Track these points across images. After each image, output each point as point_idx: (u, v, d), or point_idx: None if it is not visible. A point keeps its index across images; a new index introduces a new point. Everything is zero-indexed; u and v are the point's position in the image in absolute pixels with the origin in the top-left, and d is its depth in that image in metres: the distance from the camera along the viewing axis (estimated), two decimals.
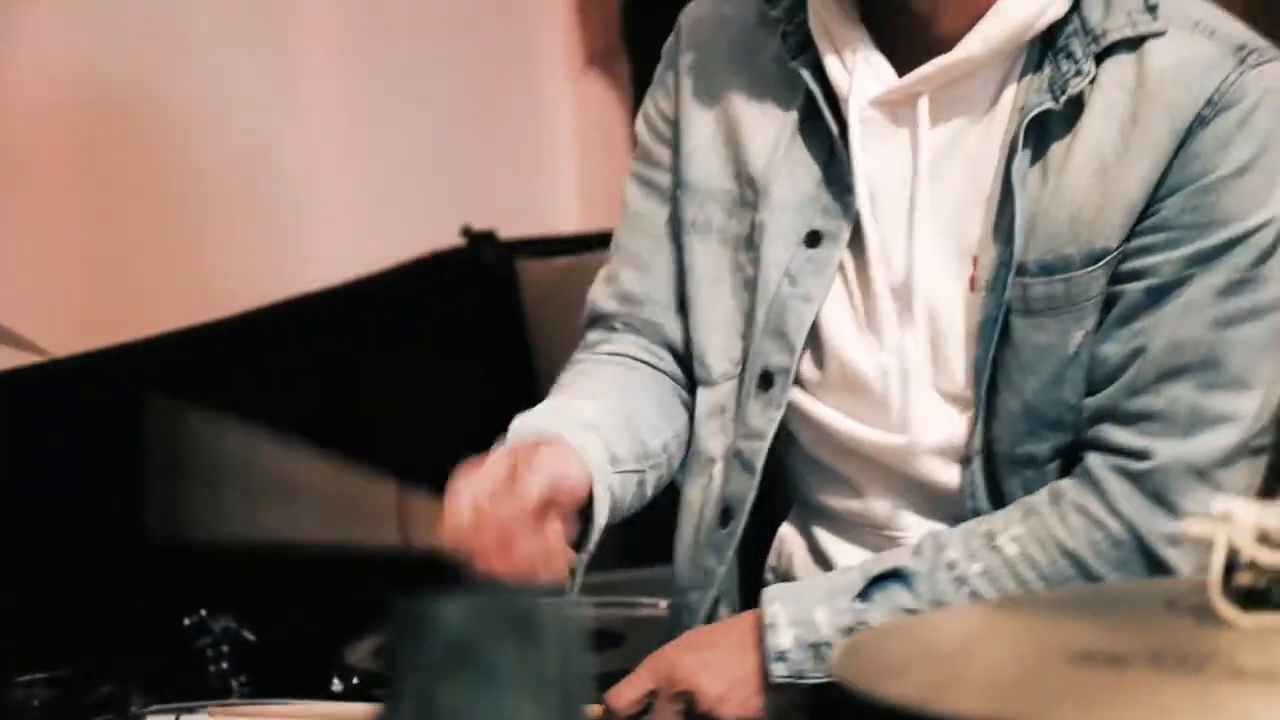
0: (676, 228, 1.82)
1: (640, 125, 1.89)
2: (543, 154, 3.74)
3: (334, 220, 3.30)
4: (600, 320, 1.92)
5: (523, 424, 1.74)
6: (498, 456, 1.64)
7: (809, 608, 1.67)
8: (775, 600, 1.69)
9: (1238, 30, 1.64)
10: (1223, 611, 0.99)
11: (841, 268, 1.71)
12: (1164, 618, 1.03)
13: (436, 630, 0.71)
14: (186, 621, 2.23)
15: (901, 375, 1.69)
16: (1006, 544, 1.64)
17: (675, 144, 1.82)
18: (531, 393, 3.40)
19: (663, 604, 2.56)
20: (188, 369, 2.92)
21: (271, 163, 3.17)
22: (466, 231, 3.47)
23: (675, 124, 1.82)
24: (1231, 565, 1.01)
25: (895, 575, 1.66)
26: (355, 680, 2.32)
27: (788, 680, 1.68)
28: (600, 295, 1.92)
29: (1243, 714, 0.89)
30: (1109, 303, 1.63)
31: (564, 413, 1.75)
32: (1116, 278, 1.62)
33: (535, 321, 3.49)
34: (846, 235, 1.69)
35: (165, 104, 2.99)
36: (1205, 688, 0.92)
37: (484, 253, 3.47)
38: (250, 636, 2.27)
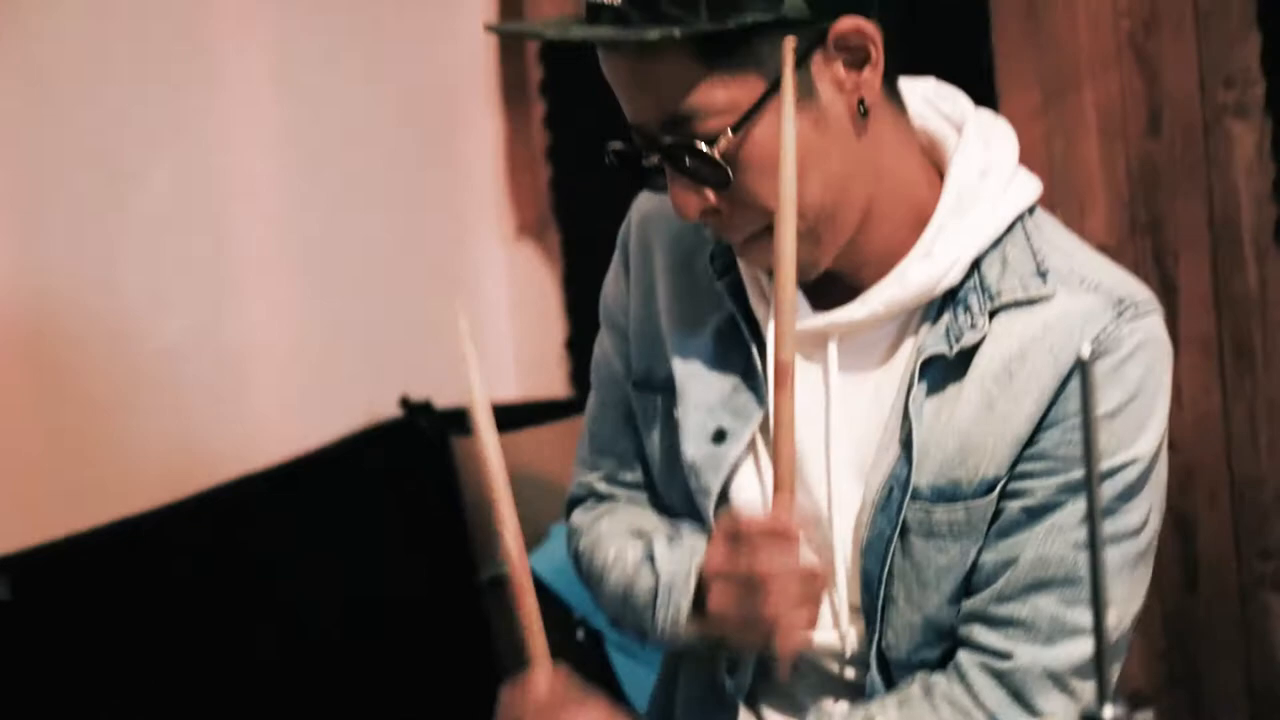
0: (633, 412, 1.84)
1: (601, 307, 1.90)
2: (478, 321, 3.67)
3: (276, 396, 3.26)
4: (595, 496, 1.92)
5: (695, 540, 1.74)
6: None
7: None
8: None
9: (1123, 284, 1.66)
10: None
11: (758, 471, 1.72)
12: None
13: None
14: None
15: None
16: None
17: (626, 334, 1.83)
18: (466, 556, 3.39)
19: None
20: (139, 554, 2.93)
21: (211, 344, 3.15)
22: (404, 402, 3.44)
23: (626, 311, 1.83)
24: None
25: None
26: None
27: None
28: (589, 479, 1.92)
29: None
30: (993, 519, 1.66)
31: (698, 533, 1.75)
32: (1001, 496, 1.65)
33: (470, 494, 3.40)
34: (747, 437, 1.70)
35: (102, 298, 2.97)
36: None
37: (420, 422, 3.43)
38: None
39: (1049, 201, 2.86)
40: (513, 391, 3.68)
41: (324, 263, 3.37)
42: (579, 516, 1.92)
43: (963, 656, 1.67)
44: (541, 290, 3.74)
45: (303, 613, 3.15)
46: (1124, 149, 2.96)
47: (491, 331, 3.69)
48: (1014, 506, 1.65)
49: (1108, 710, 1.04)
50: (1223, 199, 2.85)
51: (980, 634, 1.66)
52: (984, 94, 2.86)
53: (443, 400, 3.45)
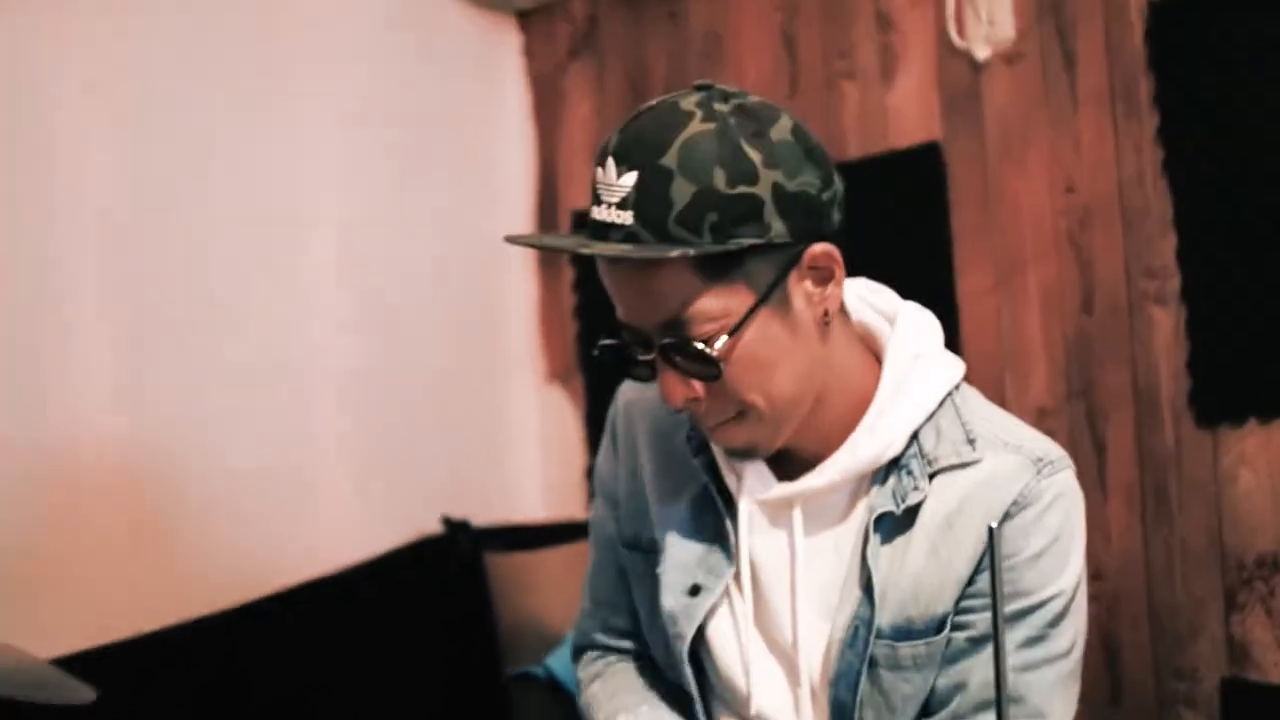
0: (624, 570, 1.88)
1: (595, 480, 1.95)
2: (512, 452, 3.76)
3: (336, 513, 3.31)
4: (593, 647, 1.97)
5: None
6: None
7: None
8: None
9: (1039, 445, 1.72)
10: None
11: (734, 618, 1.77)
12: None
13: None
14: None
15: (784, 710, 1.77)
16: None
17: (616, 502, 1.89)
18: (493, 656, 3.43)
19: None
20: (226, 645, 2.96)
21: (282, 468, 3.20)
22: (446, 521, 3.52)
23: (616, 483, 1.89)
24: None
25: None
26: None
27: None
28: (588, 626, 1.97)
29: None
30: (942, 650, 1.72)
31: None
32: (951, 628, 1.72)
33: (500, 602, 3.51)
34: (720, 590, 1.75)
35: (192, 427, 3.02)
36: None
37: (460, 539, 3.51)
38: None
39: (999, 366, 3.04)
40: (540, 513, 3.74)
41: (382, 401, 3.43)
42: (581, 670, 1.97)
43: None
44: (566, 426, 3.81)
45: (356, 701, 3.20)
46: (1061, 324, 3.04)
47: (524, 460, 3.76)
48: (959, 637, 1.70)
49: None
50: (1145, 370, 2.93)
51: None
52: (945, 274, 3.13)
53: (479, 519, 3.56)
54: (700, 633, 1.77)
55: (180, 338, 2.99)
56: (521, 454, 3.76)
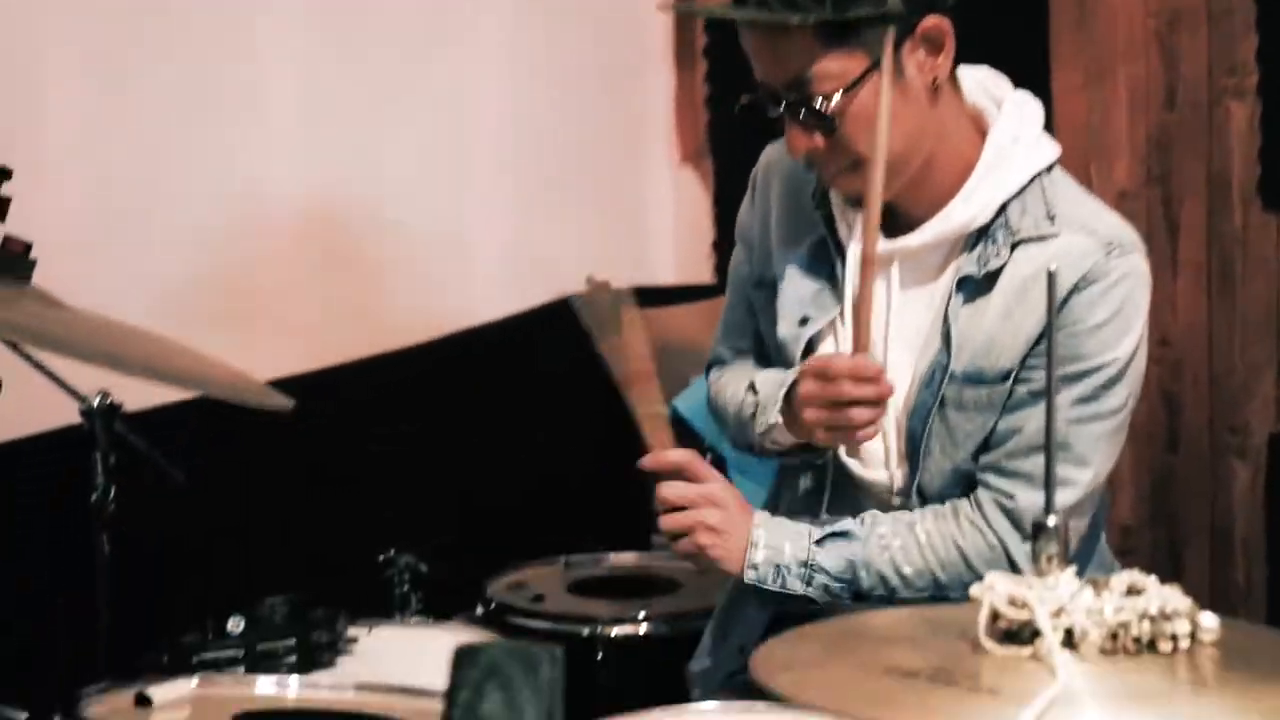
0: (753, 307, 1.98)
1: (737, 228, 2.04)
2: (649, 224, 3.83)
3: (493, 271, 3.40)
4: (722, 363, 2.07)
5: (785, 371, 1.85)
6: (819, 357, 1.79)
7: (780, 541, 1.83)
8: (761, 526, 1.84)
9: (1114, 229, 1.78)
10: (985, 644, 1.15)
11: (836, 351, 1.85)
12: (951, 644, 1.17)
13: (480, 660, 0.93)
14: (380, 558, 2.36)
15: (880, 439, 1.85)
16: (920, 531, 1.82)
17: (751, 246, 1.99)
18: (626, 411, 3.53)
19: None
20: (395, 383, 3.06)
21: (447, 228, 3.28)
22: (590, 280, 3.43)
23: (752, 230, 1.99)
24: (995, 614, 1.17)
25: (844, 534, 1.83)
26: (492, 605, 2.44)
27: (752, 582, 1.83)
28: (721, 350, 2.07)
29: (971, 717, 1.04)
30: (1006, 397, 1.80)
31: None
32: (1014, 382, 1.79)
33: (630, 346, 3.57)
34: (824, 323, 1.85)
35: (367, 188, 3.06)
36: (959, 697, 1.08)
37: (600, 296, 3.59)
38: (424, 568, 2.38)
39: (1086, 156, 3.06)
40: (672, 278, 3.81)
41: (536, 173, 3.49)
42: (713, 376, 2.10)
43: (981, 494, 1.80)
44: (696, 204, 3.86)
45: (504, 439, 3.31)
46: (1145, 118, 3.05)
47: (658, 233, 3.83)
48: (1021, 390, 1.77)
49: (1051, 518, 1.19)
50: (1219, 159, 2.94)
51: (994, 480, 1.80)
52: (1040, 72, 3.12)
53: (618, 280, 3.37)
54: (807, 358, 1.85)
55: (358, 109, 3.05)
56: (657, 226, 3.82)
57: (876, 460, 1.87)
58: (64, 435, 1.99)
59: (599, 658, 2.36)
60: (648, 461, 1.87)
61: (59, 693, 1.36)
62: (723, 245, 3.73)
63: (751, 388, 1.91)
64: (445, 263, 3.26)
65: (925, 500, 1.85)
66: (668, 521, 1.86)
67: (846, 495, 1.89)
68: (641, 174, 3.81)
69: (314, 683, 1.51)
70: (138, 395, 1.92)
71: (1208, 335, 2.99)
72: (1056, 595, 1.18)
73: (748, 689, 1.67)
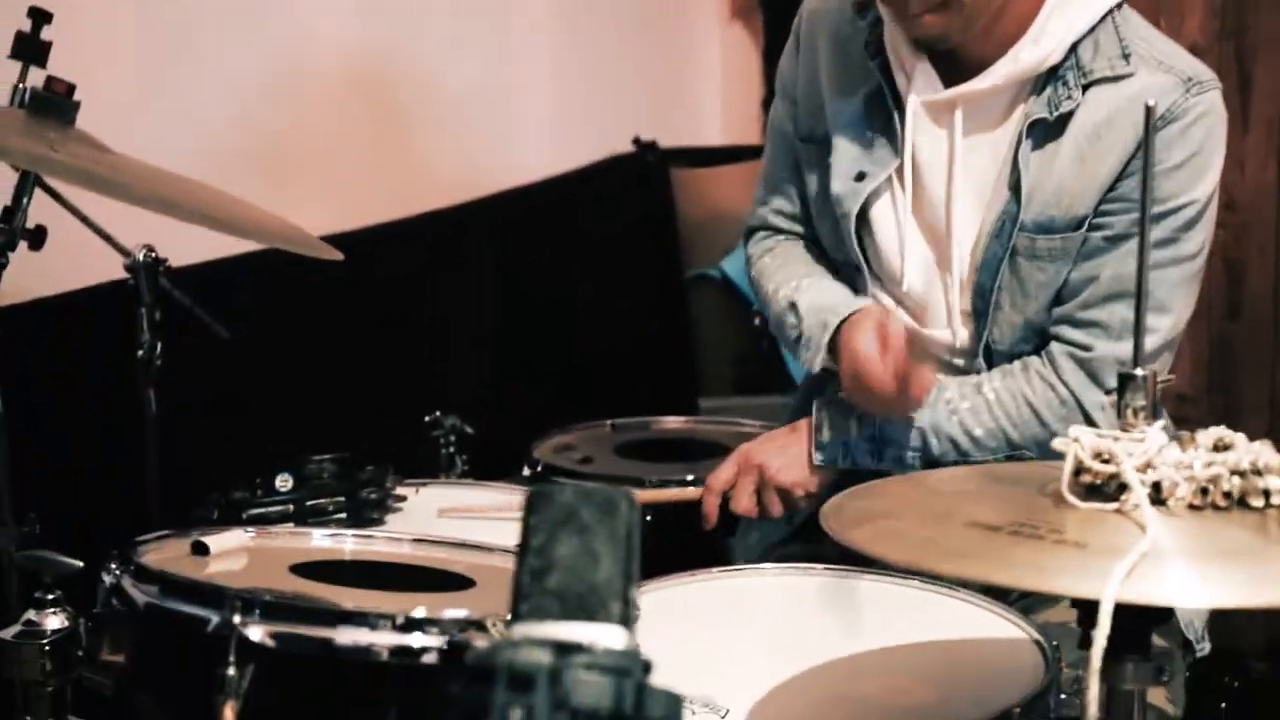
0: (798, 161, 1.96)
1: (777, 80, 2.00)
2: (696, 82, 3.79)
3: (538, 129, 3.37)
4: (765, 228, 2.04)
5: (835, 300, 1.84)
6: (864, 329, 1.76)
7: (843, 418, 1.83)
8: (821, 410, 1.84)
9: (1190, 66, 1.74)
10: (1069, 499, 1.13)
11: (894, 206, 1.82)
12: (1032, 499, 1.15)
13: (554, 503, 0.89)
14: (426, 419, 2.38)
15: (939, 290, 1.84)
16: (988, 391, 1.80)
17: (795, 100, 1.94)
18: (677, 261, 3.54)
19: (759, 425, 2.68)
20: (442, 242, 3.05)
21: (493, 84, 3.24)
22: (636, 140, 3.58)
23: (795, 83, 1.94)
24: (1079, 469, 1.15)
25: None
26: (539, 468, 2.40)
27: (823, 465, 1.83)
28: (762, 211, 2.03)
29: (1056, 569, 1.02)
30: (1079, 246, 1.76)
31: (832, 286, 1.88)
32: (1087, 229, 1.75)
33: (683, 212, 3.58)
34: (882, 178, 1.81)
35: (413, 47, 3.02)
36: (1046, 550, 1.05)
37: (648, 157, 3.57)
38: (470, 430, 2.41)
39: (1156, 9, 2.95)
40: (719, 138, 3.80)
41: (584, 30, 3.45)
42: (753, 245, 2.05)
43: (1054, 347, 1.78)
44: (745, 61, 3.82)
45: (554, 293, 3.33)
46: None
47: (706, 90, 3.80)
48: (1096, 236, 1.74)
49: (1139, 369, 1.15)
50: None
51: (1068, 332, 1.77)
52: None
53: (665, 141, 3.60)
54: (864, 216, 1.83)
55: None
56: (704, 84, 3.79)
57: (938, 318, 1.85)
58: (108, 290, 1.96)
59: (645, 519, 2.35)
60: (710, 509, 1.87)
61: (114, 541, 1.36)
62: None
63: (793, 309, 1.88)
64: (490, 121, 3.24)
65: (993, 358, 1.83)
66: (739, 506, 1.85)
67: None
68: (689, 31, 3.77)
69: (369, 535, 1.49)
70: (180, 251, 1.91)
71: (1276, 199, 2.94)
72: (1144, 449, 1.14)
73: (793, 560, 1.74)
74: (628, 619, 0.89)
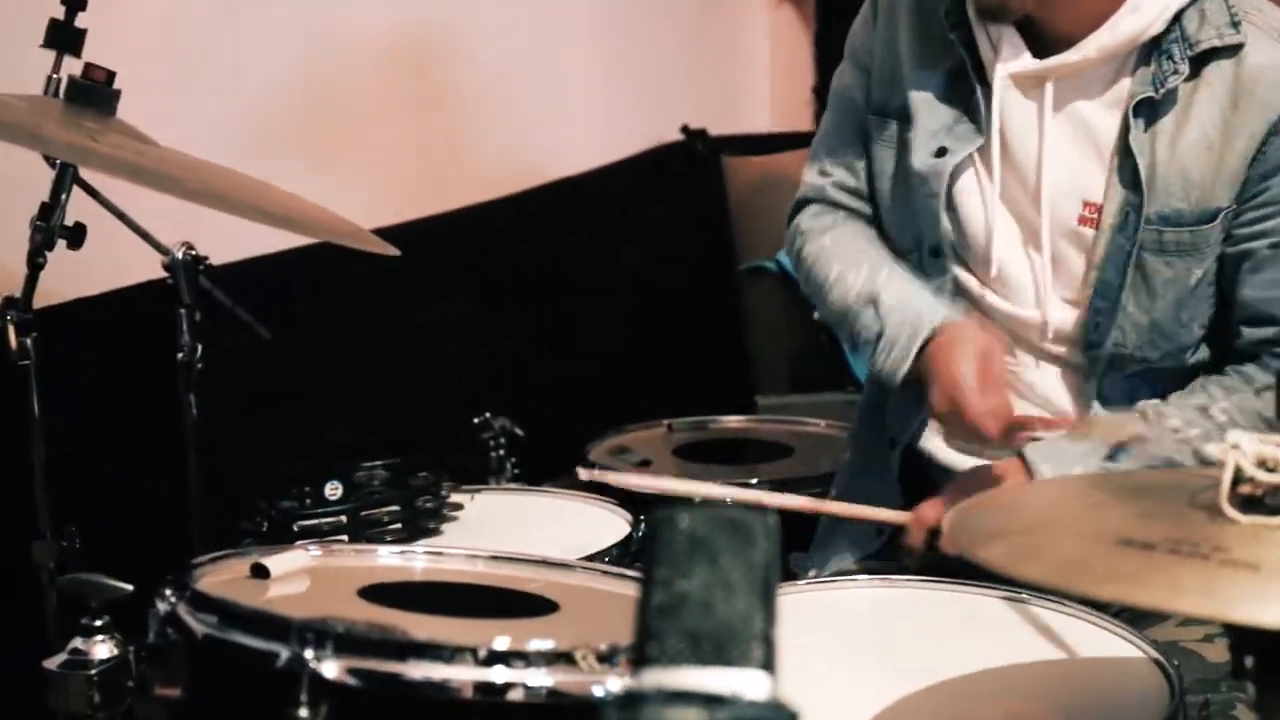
0: (866, 136, 1.86)
1: (847, 48, 1.91)
2: (745, 68, 3.72)
3: (585, 117, 3.30)
4: (823, 199, 1.92)
5: (925, 304, 1.74)
6: (965, 351, 1.65)
7: (1069, 465, 1.66)
8: (1042, 461, 1.66)
9: None
10: (1228, 513, 1.03)
11: (979, 183, 1.74)
12: (1182, 511, 1.06)
13: (680, 529, 0.79)
14: (475, 420, 2.31)
15: (1027, 270, 1.75)
16: (1218, 414, 1.67)
17: (869, 70, 1.86)
18: (729, 250, 3.46)
19: (823, 424, 2.64)
20: (489, 231, 2.99)
21: (540, 72, 3.17)
22: (685, 129, 3.51)
23: (870, 51, 1.86)
24: (1238, 479, 1.06)
25: (1136, 440, 1.65)
26: (595, 469, 2.27)
27: None
28: (821, 182, 1.91)
29: (1232, 594, 0.93)
30: (1236, 257, 1.67)
31: (915, 282, 1.77)
32: (1240, 239, 1.66)
33: (735, 202, 3.50)
34: (965, 154, 1.74)
35: (458, 33, 2.97)
36: (1214, 573, 0.96)
37: (698, 146, 3.50)
38: (520, 432, 2.33)
39: None
40: (769, 125, 3.73)
41: (630, 17, 3.39)
42: (807, 219, 1.92)
43: (1271, 361, 1.68)
44: (795, 46, 3.76)
45: (605, 285, 3.27)
46: None
47: (754, 78, 3.74)
48: (1260, 246, 1.66)
49: None
50: None
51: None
52: None
53: (715, 129, 3.53)
54: (948, 194, 1.75)
55: None
56: (753, 70, 3.74)
57: (1026, 298, 1.75)
58: (146, 290, 1.89)
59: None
60: (916, 539, 1.71)
61: (166, 563, 1.26)
62: (824, 89, 3.59)
63: (873, 304, 1.76)
64: (535, 110, 3.17)
65: (1111, 362, 1.73)
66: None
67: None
68: (735, 14, 3.70)
69: (440, 552, 1.39)
70: (217, 248, 1.83)
71: None
72: None
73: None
74: (770, 663, 0.79)
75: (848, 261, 1.83)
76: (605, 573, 1.37)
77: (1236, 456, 1.05)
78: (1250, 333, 1.70)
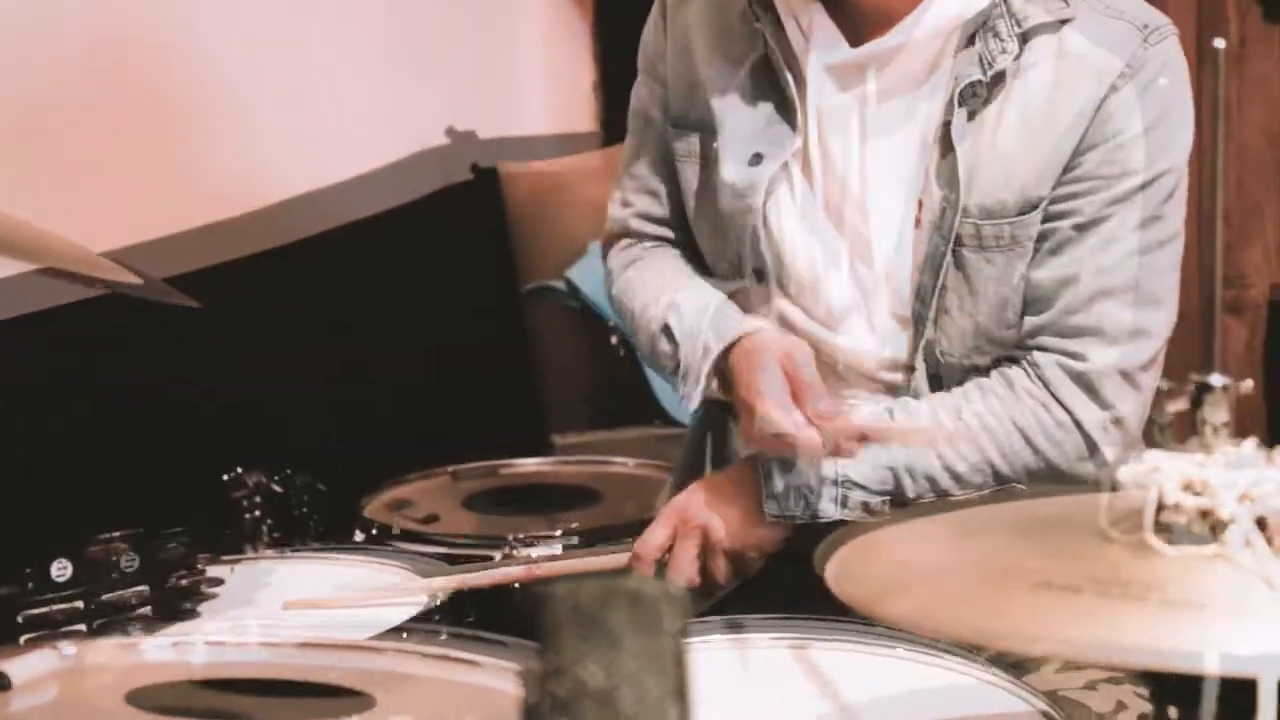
0: (669, 153, 1.86)
1: (640, 56, 1.90)
2: (516, 61, 3.69)
3: (332, 124, 3.22)
4: (629, 234, 1.95)
5: (716, 318, 1.76)
6: (766, 365, 1.66)
7: (797, 463, 1.70)
8: (770, 461, 1.71)
9: (1141, 11, 1.68)
10: (1156, 547, 1.00)
11: (793, 195, 1.74)
12: (1095, 546, 1.03)
13: (567, 608, 0.74)
14: (224, 477, 2.19)
15: (856, 293, 1.74)
16: (970, 417, 1.70)
17: (664, 81, 1.85)
18: (512, 273, 3.42)
19: (631, 463, 2.62)
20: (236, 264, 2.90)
21: (281, 75, 3.09)
22: (450, 131, 3.45)
23: (664, 58, 1.84)
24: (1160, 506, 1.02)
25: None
26: (373, 530, 2.28)
27: (776, 518, 1.72)
28: (624, 215, 1.94)
29: (1181, 639, 0.90)
30: (1040, 238, 1.69)
31: (725, 306, 1.78)
32: (1046, 218, 1.67)
33: (514, 214, 3.45)
34: (782, 159, 1.73)
35: (183, 40, 2.90)
36: (1158, 616, 0.93)
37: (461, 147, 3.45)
38: (279, 489, 2.21)
39: None
40: (546, 126, 3.71)
41: (383, 8, 3.36)
42: (614, 257, 1.95)
43: (1039, 357, 1.70)
44: (572, 37, 3.75)
45: (372, 316, 3.20)
46: None
47: (527, 73, 3.70)
48: (1064, 225, 1.67)
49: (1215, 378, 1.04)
50: None
51: (1054, 342, 1.69)
52: None
53: (484, 131, 3.49)
54: (764, 210, 1.75)
55: None
56: (525, 65, 3.71)
57: (858, 326, 1.75)
58: None
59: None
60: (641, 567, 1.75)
61: None
62: (606, 85, 3.68)
63: (666, 333, 1.79)
64: (276, 115, 3.09)
65: (942, 373, 1.75)
66: (680, 575, 1.72)
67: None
68: (507, 6, 3.68)
69: (218, 642, 1.29)
70: None
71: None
72: (1243, 475, 1.03)
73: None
74: None
75: (648, 294, 1.85)
76: (421, 654, 1.29)
77: (1158, 480, 1.03)
78: (1027, 321, 1.71)
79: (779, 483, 1.71)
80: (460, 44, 3.52)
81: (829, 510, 1.71)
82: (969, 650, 1.45)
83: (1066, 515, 1.13)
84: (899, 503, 1.71)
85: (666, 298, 1.82)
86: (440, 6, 3.48)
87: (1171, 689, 1.03)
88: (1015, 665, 1.53)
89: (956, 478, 1.70)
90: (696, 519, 1.72)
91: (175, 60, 2.87)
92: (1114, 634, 0.92)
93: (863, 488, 1.71)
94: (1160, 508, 1.03)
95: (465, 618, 1.83)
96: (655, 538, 1.74)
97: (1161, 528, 1.03)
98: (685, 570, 1.72)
